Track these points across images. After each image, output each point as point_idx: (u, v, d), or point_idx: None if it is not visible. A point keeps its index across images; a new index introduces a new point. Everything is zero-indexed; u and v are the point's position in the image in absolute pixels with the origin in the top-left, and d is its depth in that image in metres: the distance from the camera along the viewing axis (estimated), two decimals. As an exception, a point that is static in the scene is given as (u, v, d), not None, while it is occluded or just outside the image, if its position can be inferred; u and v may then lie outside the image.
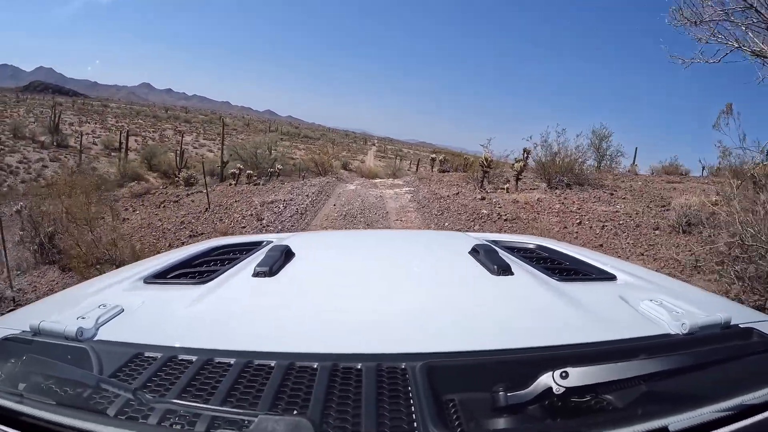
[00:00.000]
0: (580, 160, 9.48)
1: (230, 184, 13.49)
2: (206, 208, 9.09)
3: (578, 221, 6.61)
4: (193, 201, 10.44)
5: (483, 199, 8.50)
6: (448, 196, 9.16)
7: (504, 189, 9.34)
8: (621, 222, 6.68)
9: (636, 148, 16.73)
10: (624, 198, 8.54)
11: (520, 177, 9.51)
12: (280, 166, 14.60)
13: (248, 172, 14.39)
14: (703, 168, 15.41)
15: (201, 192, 11.58)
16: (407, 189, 11.72)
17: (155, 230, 7.79)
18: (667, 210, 7.56)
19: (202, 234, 7.18)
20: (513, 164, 14.58)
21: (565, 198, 8.32)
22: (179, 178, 11.78)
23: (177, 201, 10.51)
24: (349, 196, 10.43)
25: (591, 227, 6.35)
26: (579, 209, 7.35)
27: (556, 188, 9.27)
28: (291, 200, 9.02)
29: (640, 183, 11.64)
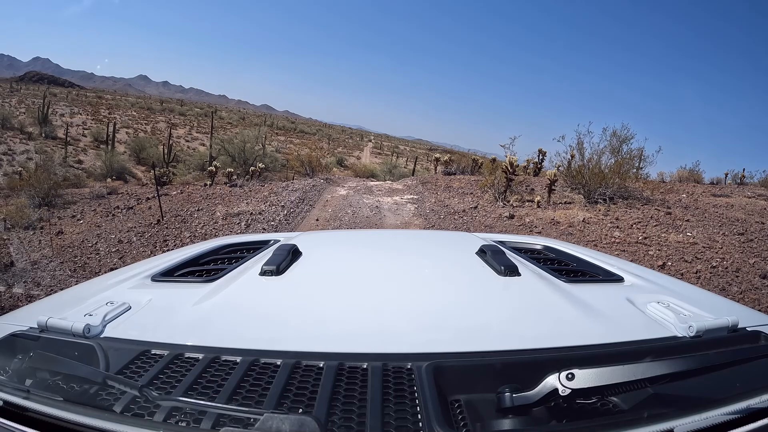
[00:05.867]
0: (632, 167, 7.59)
1: (205, 185, 11.73)
2: (158, 220, 7.20)
3: (659, 262, 4.75)
4: (150, 208, 8.59)
5: (511, 217, 6.63)
6: (463, 210, 7.28)
7: (533, 202, 7.46)
8: (711, 262, 4.83)
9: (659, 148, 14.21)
10: (687, 219, 6.72)
11: (553, 187, 7.61)
12: (262, 165, 12.68)
13: (228, 170, 12.56)
14: (741, 176, 13.82)
15: (167, 195, 9.79)
16: (409, 197, 9.85)
17: (83, 252, 5.91)
18: (751, 240, 5.79)
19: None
20: (527, 166, 12.82)
21: (617, 218, 6.48)
22: (154, 175, 10.05)
23: (131, 208, 8.62)
24: (338, 205, 8.52)
25: (681, 273, 4.50)
26: (645, 238, 5.50)
27: (597, 202, 7.44)
28: (261, 212, 7.09)
29: (684, 195, 9.88)
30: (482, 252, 1.22)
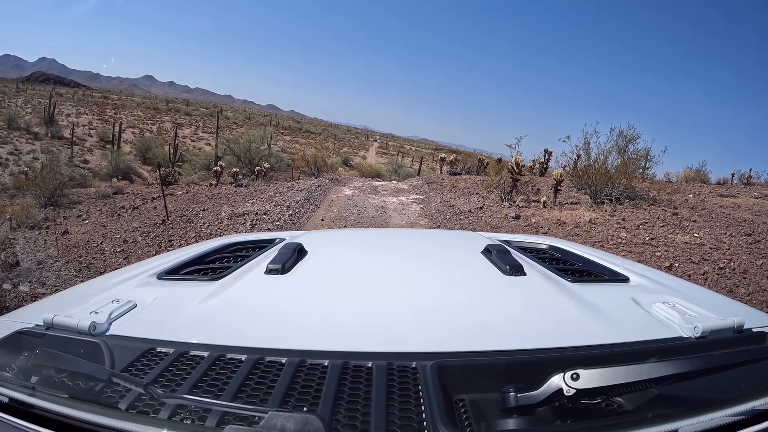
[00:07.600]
0: (638, 167, 7.50)
1: (210, 185, 11.77)
2: (164, 220, 7.23)
3: (666, 263, 4.70)
4: (155, 207, 8.61)
5: (517, 217, 6.60)
6: (469, 210, 7.25)
7: (539, 202, 7.41)
8: (719, 263, 4.77)
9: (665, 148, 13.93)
10: (693, 220, 6.64)
11: (559, 187, 7.56)
12: (267, 165, 12.71)
13: (234, 170, 12.60)
14: (747, 176, 13.66)
15: (172, 195, 9.83)
16: (414, 197, 9.83)
17: (88, 252, 5.95)
18: (758, 242, 5.71)
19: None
20: (532, 167, 12.75)
21: (623, 219, 6.42)
22: (160, 174, 10.09)
23: (137, 207, 8.66)
24: (344, 205, 8.52)
25: (688, 274, 4.45)
26: (652, 239, 5.44)
27: (603, 203, 7.37)
28: (266, 212, 7.10)
29: (691, 195, 9.78)
30: (488, 251, 1.22)
